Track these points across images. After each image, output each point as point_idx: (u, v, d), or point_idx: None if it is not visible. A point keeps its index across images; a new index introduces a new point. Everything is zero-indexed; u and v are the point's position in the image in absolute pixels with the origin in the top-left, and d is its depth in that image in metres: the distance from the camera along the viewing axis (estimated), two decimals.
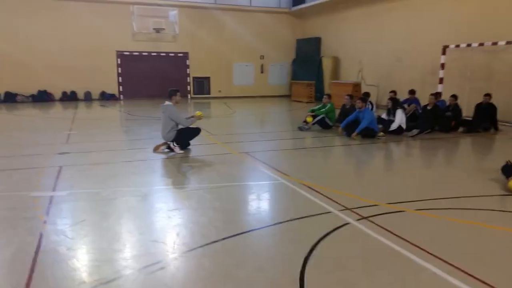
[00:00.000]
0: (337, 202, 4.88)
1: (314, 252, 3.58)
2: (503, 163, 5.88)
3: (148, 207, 4.89)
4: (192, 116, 8.06)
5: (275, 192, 5.46)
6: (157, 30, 19.71)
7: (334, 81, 17.92)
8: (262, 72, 23.20)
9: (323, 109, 10.74)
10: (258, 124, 12.90)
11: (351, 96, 11.21)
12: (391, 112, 10.10)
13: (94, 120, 13.20)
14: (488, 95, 10.68)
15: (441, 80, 12.82)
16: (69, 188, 5.54)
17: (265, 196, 5.35)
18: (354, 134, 9.31)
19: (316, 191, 5.34)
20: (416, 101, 12.05)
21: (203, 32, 21.17)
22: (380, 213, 4.57)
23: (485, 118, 10.57)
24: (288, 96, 22.98)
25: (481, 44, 11.30)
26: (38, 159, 7.13)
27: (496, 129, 10.69)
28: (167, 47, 20.74)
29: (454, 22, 13.34)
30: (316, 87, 19.99)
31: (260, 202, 5.10)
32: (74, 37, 18.78)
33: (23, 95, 18.23)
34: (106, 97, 19.83)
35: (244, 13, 21.89)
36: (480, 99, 10.86)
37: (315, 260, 3.44)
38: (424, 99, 12.42)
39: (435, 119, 10.38)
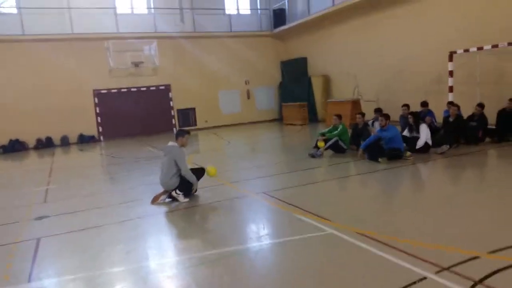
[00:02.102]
0: (422, 259, 3.60)
1: None
2: None
3: None
4: (201, 169, 6.89)
5: (332, 251, 4.09)
6: (136, 64, 18.47)
7: (331, 100, 16.88)
8: (248, 97, 22.13)
9: (336, 132, 9.57)
10: (261, 155, 11.53)
11: (363, 114, 10.11)
12: (414, 128, 9.00)
13: (75, 168, 11.67)
14: None
15: (451, 89, 11.90)
16: (51, 274, 4.09)
17: (324, 259, 3.93)
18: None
19: (383, 243, 4.05)
20: (431, 113, 11.03)
21: (184, 62, 20.09)
22: (491, 271, 3.30)
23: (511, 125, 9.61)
24: (278, 120, 21.92)
25: (495, 46, 10.45)
26: (10, 230, 5.64)
27: None
28: (147, 81, 19.49)
29: (458, 25, 12.58)
30: (307, 108, 18.94)
31: (324, 270, 3.67)
32: (45, 79, 17.35)
33: None
34: (85, 140, 18.26)
35: (225, 40, 20.94)
36: (491, 104, 9.94)
37: None
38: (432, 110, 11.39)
39: (460, 132, 9.35)
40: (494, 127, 9.86)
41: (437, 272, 3.35)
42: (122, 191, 7.79)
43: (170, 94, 20.14)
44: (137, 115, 19.31)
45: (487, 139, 9.63)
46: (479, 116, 9.61)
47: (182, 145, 6.59)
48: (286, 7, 21.38)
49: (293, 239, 4.45)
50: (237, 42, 21.19)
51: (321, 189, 6.88)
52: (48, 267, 4.26)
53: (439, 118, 11.29)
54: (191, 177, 6.45)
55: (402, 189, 6.79)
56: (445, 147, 8.64)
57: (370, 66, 16.32)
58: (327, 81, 19.48)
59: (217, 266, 3.93)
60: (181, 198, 6.44)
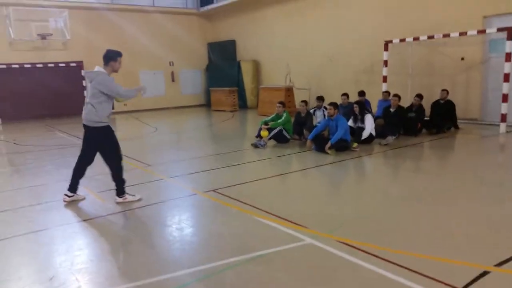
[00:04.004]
0: (429, 277, 3.08)
1: None
2: None
3: None
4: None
5: (322, 270, 3.35)
6: (43, 37, 16.03)
7: (263, 86, 16.26)
8: (173, 80, 20.70)
9: (280, 120, 8.97)
10: (197, 144, 10.27)
11: (306, 102, 9.64)
12: (359, 118, 8.74)
13: None
14: (445, 90, 10.01)
15: (385, 79, 11.97)
16: None
17: (316, 280, 3.24)
18: (328, 146, 7.71)
19: (374, 255, 3.48)
20: (367, 102, 10.97)
21: (99, 37, 17.89)
22: None
23: (446, 116, 9.86)
24: (205, 106, 20.87)
25: (431, 37, 10.61)
26: None
27: (457, 127, 10.05)
28: (56, 56, 17.11)
29: (390, 15, 12.68)
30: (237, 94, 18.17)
31: None
32: None
33: None
34: None
35: (146, 15, 19.24)
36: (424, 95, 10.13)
37: None
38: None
39: (401, 122, 9.33)
40: (428, 118, 10.04)
41: None
42: (33, 188, 6.32)
43: (83, 73, 17.93)
44: (43, 95, 16.90)
45: (424, 130, 9.77)
46: (417, 107, 9.69)
47: (114, 71, 5.17)
48: None
49: (268, 252, 3.67)
50: (161, 19, 19.59)
51: (277, 185, 6.20)
52: None
53: (374, 108, 11.33)
54: (130, 94, 5.24)
55: (365, 186, 6.26)
56: (390, 138, 8.51)
57: (301, 53, 16.01)
58: (257, 66, 18.87)
59: None
60: (130, 198, 5.33)
